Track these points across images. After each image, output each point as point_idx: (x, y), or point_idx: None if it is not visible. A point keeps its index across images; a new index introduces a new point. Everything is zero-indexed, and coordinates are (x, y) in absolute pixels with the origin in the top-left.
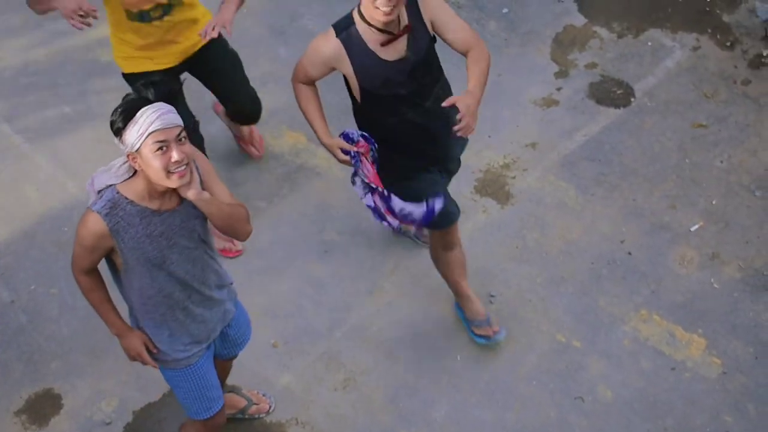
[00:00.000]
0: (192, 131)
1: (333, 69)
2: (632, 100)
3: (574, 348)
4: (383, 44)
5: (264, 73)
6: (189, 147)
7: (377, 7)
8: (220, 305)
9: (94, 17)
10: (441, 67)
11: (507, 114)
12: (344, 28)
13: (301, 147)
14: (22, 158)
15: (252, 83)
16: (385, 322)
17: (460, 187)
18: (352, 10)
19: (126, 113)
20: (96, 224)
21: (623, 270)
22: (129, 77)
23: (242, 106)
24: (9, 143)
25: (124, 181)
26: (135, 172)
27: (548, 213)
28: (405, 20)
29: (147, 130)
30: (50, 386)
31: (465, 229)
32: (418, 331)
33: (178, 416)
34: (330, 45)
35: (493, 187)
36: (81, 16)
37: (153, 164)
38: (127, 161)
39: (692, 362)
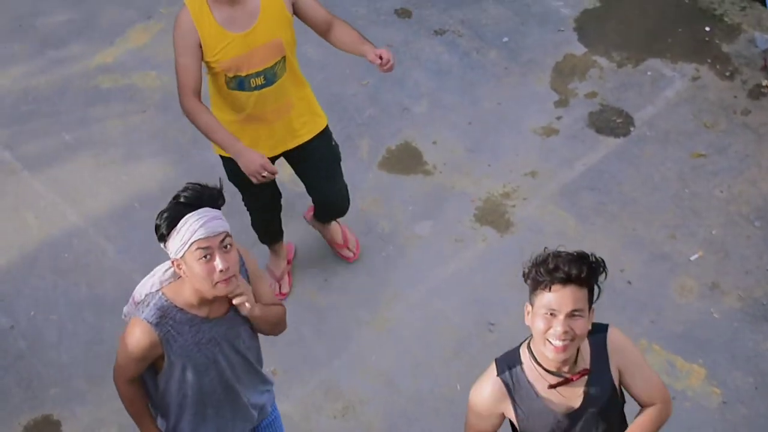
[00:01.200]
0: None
1: (502, 415)
2: (632, 129)
3: None
4: (552, 387)
5: None
6: (235, 254)
7: (548, 340)
8: (259, 407)
9: (274, 173)
10: (624, 420)
11: (507, 142)
12: (509, 366)
13: None
14: (22, 185)
15: None
16: (384, 351)
17: (459, 215)
18: (520, 345)
19: (170, 220)
20: (146, 335)
21: (623, 299)
22: (224, 163)
23: (328, 202)
24: (9, 170)
25: (170, 284)
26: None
27: (548, 242)
28: (585, 362)
29: (190, 238)
30: (49, 413)
31: (464, 257)
32: (417, 360)
33: None
34: (490, 386)
35: (493, 216)
36: (264, 176)
37: (197, 272)
38: (171, 267)
39: (692, 392)
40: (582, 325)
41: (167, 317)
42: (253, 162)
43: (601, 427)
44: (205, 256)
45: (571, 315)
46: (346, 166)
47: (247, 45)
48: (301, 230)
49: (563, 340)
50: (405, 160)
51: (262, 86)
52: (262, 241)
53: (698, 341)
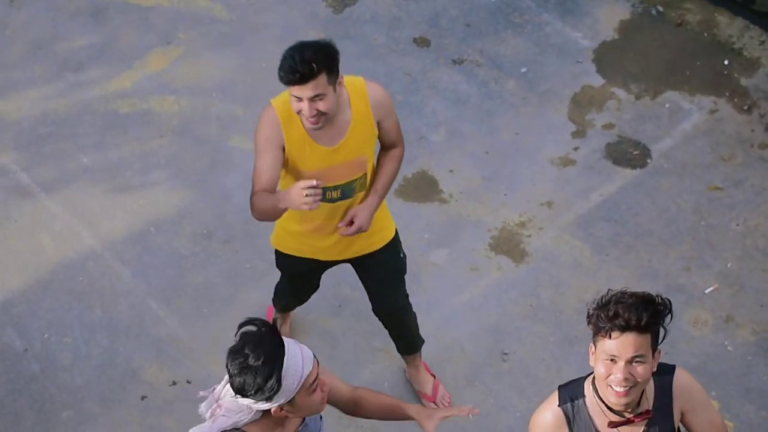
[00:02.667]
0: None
1: None
2: (649, 161)
3: None
4: (612, 425)
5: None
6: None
7: (609, 385)
8: None
9: (319, 187)
10: None
11: (524, 172)
12: (571, 397)
13: None
14: (39, 207)
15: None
16: (396, 378)
17: (474, 243)
18: (586, 377)
19: (274, 374)
20: None
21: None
22: (278, 255)
23: (385, 312)
24: (26, 192)
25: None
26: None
27: (563, 272)
28: (648, 403)
29: (302, 378)
30: None
31: (478, 286)
32: None
33: None
34: (550, 416)
35: (509, 245)
36: (310, 195)
37: (309, 405)
38: (253, 413)
39: None
40: (644, 371)
41: None
42: (293, 195)
43: None
44: (314, 387)
45: (631, 361)
46: None
47: (332, 160)
48: None
49: (624, 386)
50: (421, 188)
51: (337, 200)
52: (274, 303)
53: (712, 374)
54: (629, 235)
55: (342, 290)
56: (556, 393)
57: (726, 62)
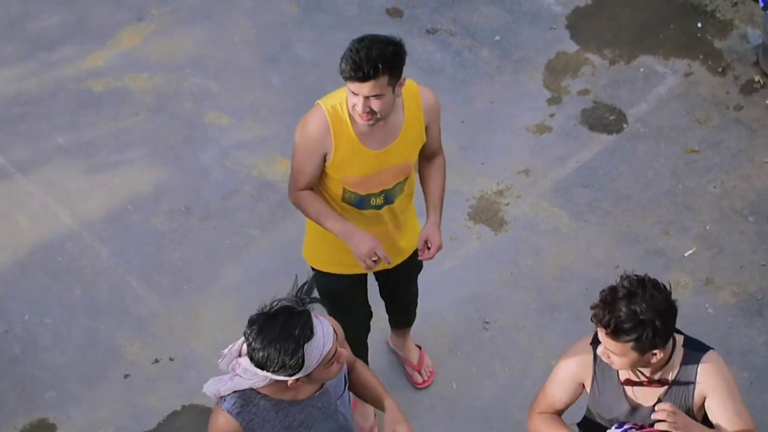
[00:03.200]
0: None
1: (579, 388)
2: (625, 126)
3: None
4: (625, 383)
5: (256, 100)
6: (347, 346)
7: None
8: None
9: (389, 263)
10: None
11: (500, 141)
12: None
13: None
14: (15, 188)
15: (244, 111)
16: (379, 349)
17: (453, 213)
18: None
19: (301, 353)
20: (227, 425)
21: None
22: (318, 274)
23: (396, 297)
24: (1, 173)
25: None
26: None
27: (542, 239)
28: (670, 375)
29: (322, 356)
30: (45, 416)
31: (458, 255)
32: None
33: None
34: (580, 354)
35: (487, 214)
36: (376, 260)
37: (325, 376)
38: (261, 376)
39: None
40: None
41: (250, 404)
42: (364, 243)
43: None
44: (332, 361)
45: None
46: None
47: (380, 164)
48: (293, 231)
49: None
50: None
51: (380, 206)
52: None
53: (693, 336)
54: (607, 200)
55: None
56: (590, 336)
57: (699, 25)
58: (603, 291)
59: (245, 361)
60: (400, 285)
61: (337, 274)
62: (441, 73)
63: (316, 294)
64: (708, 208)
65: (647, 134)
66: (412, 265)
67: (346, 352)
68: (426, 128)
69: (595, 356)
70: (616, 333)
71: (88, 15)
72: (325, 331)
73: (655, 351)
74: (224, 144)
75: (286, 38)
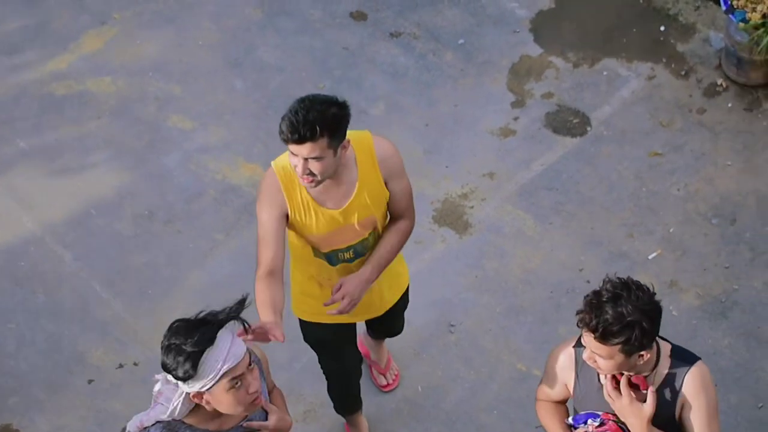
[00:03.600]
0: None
1: (566, 388)
2: (588, 129)
3: (534, 377)
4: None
5: (219, 104)
6: (257, 370)
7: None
8: None
9: (278, 339)
10: None
11: (464, 144)
12: (582, 344)
13: (258, 178)
14: None
15: (208, 116)
16: None
17: (418, 217)
18: None
19: (192, 359)
20: None
21: (582, 298)
22: (302, 326)
23: (384, 330)
24: None
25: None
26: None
27: (507, 242)
28: (654, 381)
29: (219, 371)
30: (8, 422)
31: (423, 258)
32: None
33: None
34: (562, 354)
35: (452, 217)
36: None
37: (227, 401)
38: (182, 398)
39: None
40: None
41: None
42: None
43: None
44: (235, 385)
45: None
46: None
47: (340, 222)
48: None
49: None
50: None
51: (351, 260)
52: (339, 411)
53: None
54: (571, 203)
55: (287, 265)
56: (576, 337)
57: (662, 28)
58: (587, 296)
59: (165, 388)
60: (386, 323)
61: (322, 324)
62: (405, 76)
63: (241, 315)
64: (672, 210)
65: (611, 137)
66: (400, 307)
67: (258, 386)
68: (386, 182)
69: (577, 359)
70: (604, 336)
71: (50, 19)
72: (232, 349)
73: (641, 353)
74: (188, 148)
75: (250, 42)
